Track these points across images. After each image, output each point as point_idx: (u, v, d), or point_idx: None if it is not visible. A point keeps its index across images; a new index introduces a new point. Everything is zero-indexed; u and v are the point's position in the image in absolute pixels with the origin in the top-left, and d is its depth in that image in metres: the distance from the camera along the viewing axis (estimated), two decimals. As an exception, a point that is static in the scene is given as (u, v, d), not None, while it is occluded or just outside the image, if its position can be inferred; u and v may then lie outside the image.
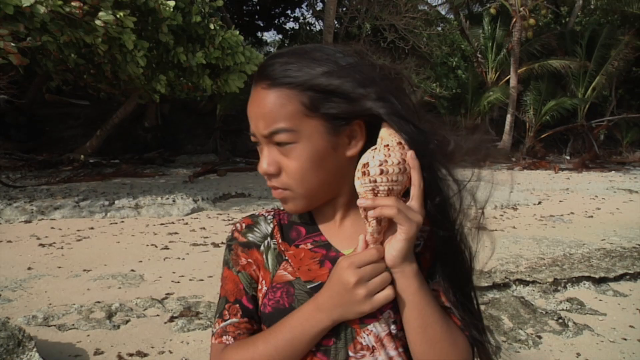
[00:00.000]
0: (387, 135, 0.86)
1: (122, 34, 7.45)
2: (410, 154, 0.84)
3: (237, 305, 0.98)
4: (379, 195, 0.84)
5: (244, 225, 1.03)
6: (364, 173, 0.84)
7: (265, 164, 0.91)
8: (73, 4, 7.05)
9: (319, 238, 0.97)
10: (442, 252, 0.92)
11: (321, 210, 0.98)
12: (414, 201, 0.84)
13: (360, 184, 0.85)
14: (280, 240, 0.98)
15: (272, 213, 1.04)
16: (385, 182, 0.83)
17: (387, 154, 0.84)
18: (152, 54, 8.77)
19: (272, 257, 0.98)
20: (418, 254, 0.90)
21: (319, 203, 0.95)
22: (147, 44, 8.13)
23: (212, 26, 8.75)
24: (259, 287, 0.98)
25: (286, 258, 0.96)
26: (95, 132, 13.77)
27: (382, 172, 0.83)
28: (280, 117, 0.87)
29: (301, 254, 0.96)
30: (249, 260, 0.99)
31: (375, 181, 0.83)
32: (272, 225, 1.01)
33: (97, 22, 7.20)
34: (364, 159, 0.86)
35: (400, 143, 0.84)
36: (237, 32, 9.19)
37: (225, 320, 0.98)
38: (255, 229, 1.02)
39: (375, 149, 0.85)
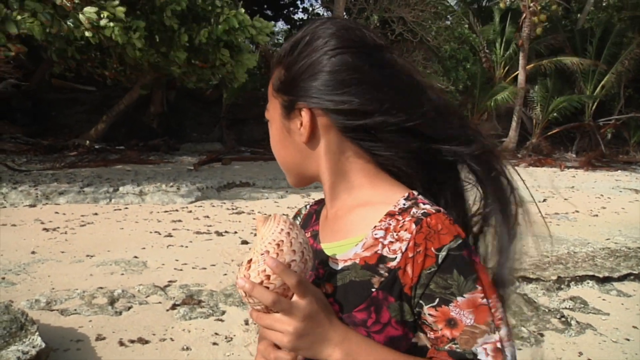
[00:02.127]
0: (258, 241, 0.82)
1: (107, 29, 7.33)
2: (270, 263, 0.77)
3: None
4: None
5: (295, 213, 1.12)
6: (236, 284, 0.83)
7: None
8: None
9: (316, 227, 1.00)
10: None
11: (326, 198, 0.98)
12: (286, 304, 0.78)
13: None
14: (300, 226, 0.99)
15: (313, 201, 1.09)
16: (254, 302, 0.80)
17: (237, 276, 0.81)
18: (161, 36, 8.66)
19: None
20: (394, 270, 0.82)
21: (306, 180, 0.98)
22: (143, 24, 7.98)
23: (217, 3, 8.62)
24: None
25: None
26: (101, 118, 13.78)
27: (245, 294, 0.80)
28: (268, 96, 0.96)
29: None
30: None
31: (248, 300, 0.81)
32: (305, 212, 1.09)
33: (81, 17, 7.17)
34: (239, 272, 0.82)
35: (263, 255, 0.79)
36: (243, 11, 9.00)
37: None
38: (298, 217, 1.09)
39: (240, 264, 0.83)
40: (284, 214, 0.88)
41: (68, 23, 7.26)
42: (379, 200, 0.90)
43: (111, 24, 7.30)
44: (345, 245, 0.88)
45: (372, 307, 0.82)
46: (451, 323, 0.80)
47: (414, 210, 0.85)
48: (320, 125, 0.88)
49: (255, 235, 0.85)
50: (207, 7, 8.53)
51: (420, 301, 0.81)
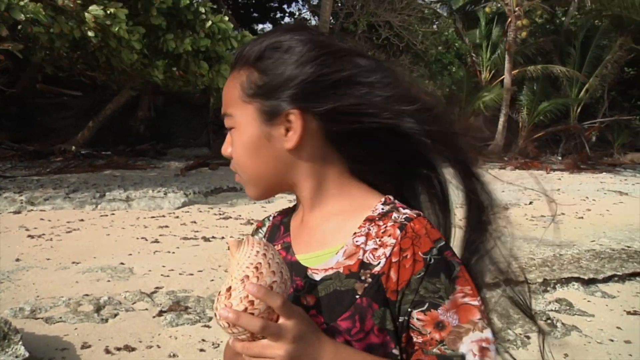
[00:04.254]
0: (235, 267, 0.78)
1: (113, 25, 7.37)
2: (252, 288, 0.74)
3: None
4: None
5: (255, 228, 1.07)
6: (215, 315, 0.78)
7: (224, 146, 0.94)
8: None
9: (287, 239, 0.97)
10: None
11: (298, 208, 0.97)
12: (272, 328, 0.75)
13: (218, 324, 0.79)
14: (266, 240, 0.97)
15: (276, 214, 1.06)
16: (236, 332, 0.76)
17: (216, 306, 0.77)
18: (145, 41, 8.66)
19: None
20: (378, 275, 0.82)
21: (273, 192, 0.94)
22: (142, 30, 8.02)
23: (202, 9, 8.63)
24: None
25: None
26: (88, 123, 13.66)
27: (229, 325, 0.76)
28: (227, 102, 0.91)
29: None
30: None
31: (231, 331, 0.77)
32: (268, 225, 1.05)
33: (87, 15, 7.16)
34: (218, 302, 0.78)
35: (242, 280, 0.75)
36: (227, 19, 9.04)
37: None
38: (260, 231, 1.05)
39: (219, 294, 0.78)
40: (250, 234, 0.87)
41: (70, 23, 7.23)
42: (355, 207, 0.90)
43: (116, 20, 7.34)
44: (324, 255, 0.88)
45: (356, 315, 0.82)
46: (439, 326, 0.80)
47: (394, 215, 0.85)
48: (308, 131, 0.86)
49: (229, 260, 0.81)
50: (190, 15, 8.52)
51: (408, 307, 0.81)
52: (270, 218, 1.06)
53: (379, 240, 0.83)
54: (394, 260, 0.81)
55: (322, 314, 0.84)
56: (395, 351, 0.83)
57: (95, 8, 7.19)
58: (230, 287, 0.76)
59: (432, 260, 0.81)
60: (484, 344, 0.80)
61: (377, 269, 0.82)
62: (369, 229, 0.85)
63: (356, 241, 0.85)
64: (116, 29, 7.43)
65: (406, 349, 0.84)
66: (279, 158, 0.89)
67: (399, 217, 0.85)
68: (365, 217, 0.87)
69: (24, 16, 6.73)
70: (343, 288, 0.83)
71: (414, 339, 0.82)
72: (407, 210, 0.86)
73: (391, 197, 0.91)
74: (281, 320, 0.75)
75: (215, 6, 9.24)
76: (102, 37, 7.75)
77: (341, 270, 0.84)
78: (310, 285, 0.86)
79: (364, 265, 0.83)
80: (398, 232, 0.82)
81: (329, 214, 0.91)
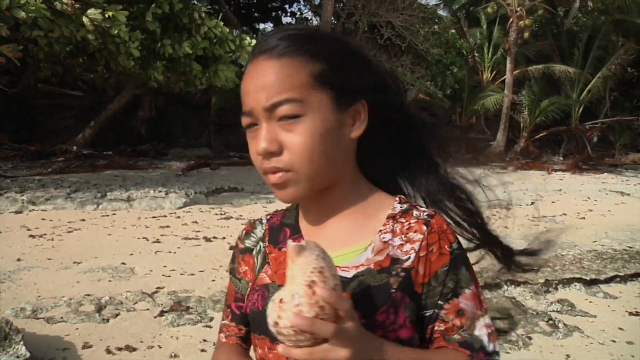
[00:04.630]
0: (290, 279, 0.75)
1: (112, 28, 7.37)
2: (325, 294, 0.72)
3: (228, 309, 1.04)
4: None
5: (244, 232, 1.04)
6: (276, 323, 0.74)
7: (265, 141, 0.83)
8: (64, 0, 7.02)
9: (299, 240, 0.94)
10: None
11: (307, 209, 0.96)
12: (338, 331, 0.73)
13: (276, 332, 0.75)
14: (267, 243, 0.98)
15: (268, 216, 1.04)
16: (302, 339, 0.73)
17: (279, 314, 0.73)
18: (143, 44, 8.67)
19: (259, 260, 0.98)
20: (409, 269, 0.86)
21: (320, 187, 0.89)
22: (141, 36, 8.05)
23: (196, 15, 8.65)
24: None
25: (268, 261, 0.96)
26: (89, 124, 13.67)
27: (295, 332, 0.72)
28: (287, 88, 0.82)
29: (281, 257, 0.94)
30: (247, 267, 1.01)
31: (291, 339, 0.73)
32: (264, 228, 1.01)
33: (85, 19, 7.16)
34: (271, 314, 0.74)
35: (309, 286, 0.72)
36: (222, 24, 9.07)
37: (224, 320, 1.05)
38: (252, 234, 1.02)
39: (282, 301, 0.73)
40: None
41: (69, 27, 7.23)
42: (373, 206, 0.93)
43: (116, 23, 7.33)
44: (351, 254, 0.89)
45: (391, 308, 0.85)
46: (460, 313, 0.87)
47: (415, 212, 0.90)
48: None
49: (288, 265, 0.77)
50: (186, 19, 8.54)
51: (438, 299, 0.87)
52: (263, 221, 1.03)
53: (405, 237, 0.88)
54: (421, 254, 0.86)
55: (358, 309, 0.83)
56: (417, 342, 0.88)
57: (94, 12, 7.20)
58: (293, 295, 0.73)
59: (455, 254, 0.88)
60: (490, 329, 0.88)
61: (407, 263, 0.86)
62: (393, 227, 0.90)
63: (383, 238, 0.89)
64: (116, 32, 7.43)
65: (429, 339, 0.88)
66: (343, 147, 0.88)
67: (420, 214, 0.90)
68: (387, 215, 0.91)
69: (26, 15, 6.71)
70: (377, 283, 0.86)
71: (436, 327, 0.87)
72: (425, 208, 0.92)
73: (403, 196, 0.95)
74: (346, 323, 0.74)
75: (211, 10, 9.24)
76: (102, 40, 7.76)
77: (372, 266, 0.87)
78: (343, 283, 0.86)
79: (394, 260, 0.87)
80: (424, 228, 0.88)
81: (348, 212, 0.92)
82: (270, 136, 0.83)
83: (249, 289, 0.98)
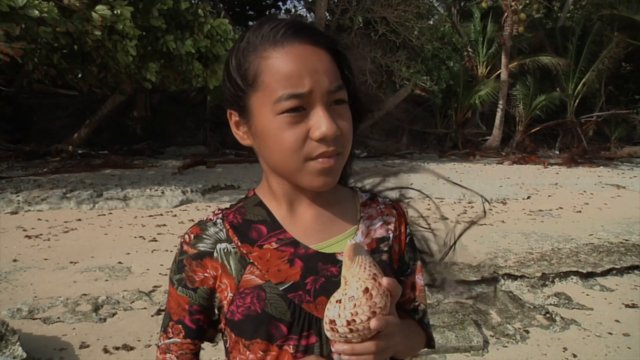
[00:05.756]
0: (350, 278, 0.78)
1: (117, 23, 7.38)
2: (391, 283, 0.79)
3: (180, 325, 0.95)
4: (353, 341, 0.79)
5: (192, 235, 0.94)
6: (332, 329, 0.78)
7: (333, 124, 0.83)
8: None
9: (283, 235, 0.92)
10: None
11: (279, 203, 0.95)
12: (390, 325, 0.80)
13: (331, 336, 0.80)
14: (239, 243, 0.92)
15: (220, 215, 0.97)
16: (356, 337, 0.77)
17: (353, 311, 0.76)
18: (142, 42, 8.64)
19: (234, 262, 0.91)
20: (391, 247, 0.98)
21: None
22: (139, 32, 8.02)
23: (200, 12, 8.63)
24: (222, 295, 0.92)
25: (251, 261, 0.90)
26: (84, 123, 13.63)
27: (351, 330, 0.77)
28: (338, 76, 0.86)
29: (267, 254, 0.90)
30: (205, 274, 0.92)
31: (346, 337, 0.78)
32: (223, 228, 0.94)
33: (94, 15, 7.15)
34: (329, 313, 0.78)
35: (366, 290, 0.77)
36: (227, 21, 9.06)
37: (169, 338, 0.96)
38: (205, 236, 0.93)
39: (340, 301, 0.78)
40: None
41: (75, 22, 7.21)
42: (343, 196, 1.01)
43: (121, 18, 7.32)
44: (343, 241, 0.94)
45: None
46: (413, 287, 1.02)
47: (380, 199, 1.03)
48: None
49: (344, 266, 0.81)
50: (190, 16, 8.51)
51: (400, 274, 0.99)
52: (217, 221, 0.95)
53: (381, 219, 0.99)
54: (395, 234, 0.99)
55: None
56: None
57: (102, 8, 7.19)
58: (352, 297, 0.77)
59: (411, 233, 1.03)
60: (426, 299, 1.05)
61: (388, 242, 0.98)
62: (368, 212, 0.99)
63: (366, 223, 0.98)
64: (121, 27, 7.44)
65: None
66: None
67: (384, 200, 1.03)
68: (360, 203, 1.01)
69: (39, 14, 6.69)
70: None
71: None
72: (384, 195, 1.07)
73: (357, 186, 1.07)
74: (389, 317, 0.80)
75: (214, 10, 9.23)
76: (105, 36, 7.74)
77: (366, 248, 0.93)
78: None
79: (380, 240, 0.97)
80: (394, 211, 1.01)
81: (326, 203, 0.96)
82: (333, 120, 0.84)
83: (229, 294, 0.91)
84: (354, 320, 0.76)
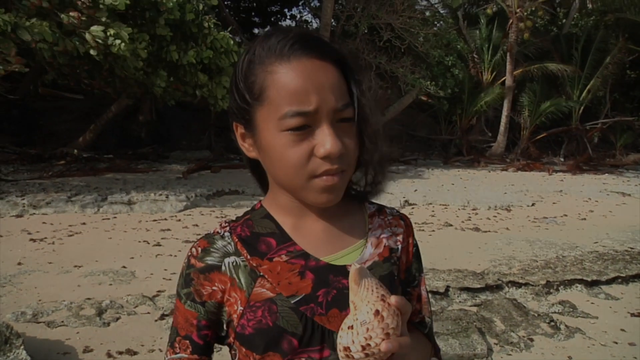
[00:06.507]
0: (359, 302, 0.78)
1: (112, 46, 7.36)
2: (402, 302, 0.78)
3: (187, 341, 0.94)
4: None
5: (199, 249, 0.93)
6: (347, 356, 0.78)
7: (338, 142, 0.82)
8: (71, 14, 7.06)
9: (293, 248, 0.91)
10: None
11: (287, 216, 0.94)
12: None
13: (344, 356, 0.79)
14: (249, 256, 0.91)
15: (227, 228, 0.95)
16: (372, 357, 0.77)
17: (367, 336, 0.76)
18: (149, 49, 8.70)
19: (244, 275, 0.90)
20: (398, 258, 0.98)
21: None
22: (147, 36, 8.05)
23: (205, 24, 8.69)
24: (231, 309, 0.90)
25: (261, 274, 0.89)
26: (89, 127, 13.68)
27: (367, 355, 0.76)
28: (345, 91, 0.85)
29: (277, 267, 0.89)
30: (214, 287, 0.90)
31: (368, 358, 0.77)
32: (231, 241, 0.93)
33: (87, 35, 7.19)
34: (343, 340, 0.78)
35: (377, 312, 0.76)
36: (229, 36, 9.12)
37: (176, 353, 0.95)
38: (212, 250, 0.92)
39: (351, 327, 0.77)
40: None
41: (74, 40, 7.25)
42: (351, 208, 1.00)
43: (117, 41, 7.29)
44: (353, 253, 0.94)
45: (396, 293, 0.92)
46: (419, 297, 1.03)
47: (387, 210, 1.03)
48: None
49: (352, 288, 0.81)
50: (195, 28, 8.56)
51: (407, 285, 1.00)
52: (224, 234, 0.94)
53: (390, 230, 0.99)
54: (403, 245, 1.00)
55: None
56: None
57: (96, 28, 7.21)
58: (364, 321, 0.77)
59: (417, 245, 1.04)
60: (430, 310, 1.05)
61: (397, 253, 0.98)
62: (378, 223, 1.00)
63: (375, 234, 0.98)
64: (116, 50, 7.39)
65: None
66: None
67: (392, 211, 1.04)
68: (368, 214, 1.01)
69: (31, 37, 6.78)
70: (385, 272, 0.94)
71: None
72: (388, 207, 1.06)
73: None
74: (401, 337, 0.79)
75: (219, 23, 9.28)
76: (106, 54, 7.78)
77: (377, 259, 0.95)
78: None
79: (391, 250, 0.98)
80: (402, 222, 1.02)
81: (336, 214, 0.96)
82: (338, 138, 0.83)
83: (239, 308, 0.89)
84: (368, 345, 0.76)
